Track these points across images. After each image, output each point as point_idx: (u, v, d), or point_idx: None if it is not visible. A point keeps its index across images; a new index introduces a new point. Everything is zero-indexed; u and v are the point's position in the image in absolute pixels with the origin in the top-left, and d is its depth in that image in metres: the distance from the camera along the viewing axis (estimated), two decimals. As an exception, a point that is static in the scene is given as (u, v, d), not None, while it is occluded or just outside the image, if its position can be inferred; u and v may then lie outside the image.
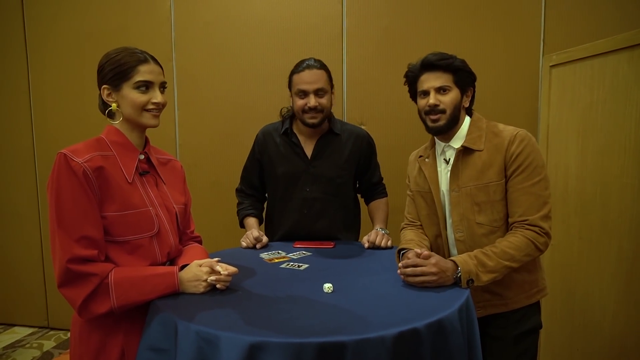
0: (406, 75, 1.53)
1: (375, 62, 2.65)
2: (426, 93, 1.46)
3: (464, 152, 1.45)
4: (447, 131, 1.46)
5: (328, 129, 1.89)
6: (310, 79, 1.75)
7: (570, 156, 2.11)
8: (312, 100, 1.75)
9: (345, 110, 2.70)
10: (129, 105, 1.25)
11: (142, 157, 1.32)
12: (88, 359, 1.22)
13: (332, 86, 1.84)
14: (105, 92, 1.27)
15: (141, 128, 1.31)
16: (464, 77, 1.44)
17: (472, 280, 1.28)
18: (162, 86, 1.30)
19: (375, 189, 2.03)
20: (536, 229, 1.35)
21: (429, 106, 1.44)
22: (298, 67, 1.79)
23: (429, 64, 1.44)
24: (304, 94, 1.77)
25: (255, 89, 2.81)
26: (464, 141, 1.45)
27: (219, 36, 2.84)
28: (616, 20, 2.28)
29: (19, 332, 3.19)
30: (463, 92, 1.46)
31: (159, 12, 2.89)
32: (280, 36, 2.76)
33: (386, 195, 2.04)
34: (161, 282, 1.19)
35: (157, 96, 1.26)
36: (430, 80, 1.44)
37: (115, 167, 1.23)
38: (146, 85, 1.25)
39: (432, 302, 1.15)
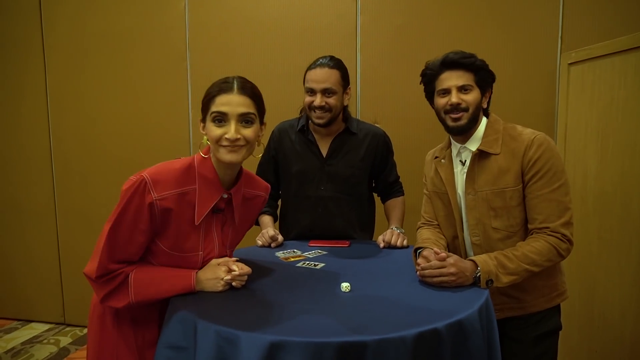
0: (424, 74, 1.49)
1: (390, 61, 2.63)
2: (447, 91, 1.42)
3: (480, 155, 1.42)
4: (468, 131, 1.43)
5: (344, 128, 1.88)
6: (318, 77, 1.74)
7: (589, 156, 2.08)
8: (317, 99, 1.74)
9: (359, 109, 2.69)
10: (209, 138, 1.21)
11: (226, 196, 1.28)
12: (106, 354, 1.25)
13: (346, 86, 1.82)
14: (201, 125, 1.25)
15: (226, 164, 1.23)
16: (485, 77, 1.41)
17: (491, 280, 1.27)
18: (244, 119, 1.19)
19: (392, 188, 2.01)
20: (558, 235, 1.33)
21: (451, 105, 1.40)
22: (312, 64, 1.79)
23: (451, 62, 1.40)
24: (312, 91, 1.76)
25: (270, 88, 2.80)
26: (480, 144, 1.42)
27: (233, 36, 2.84)
28: (638, 17, 2.24)
29: (37, 328, 3.24)
30: (483, 92, 1.43)
31: (173, 13, 2.91)
32: (295, 35, 2.76)
33: (403, 194, 2.02)
34: (178, 282, 1.21)
35: (230, 130, 1.17)
36: (452, 79, 1.40)
37: (188, 205, 1.21)
38: (220, 118, 1.18)
39: (452, 303, 1.14)
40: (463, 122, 1.40)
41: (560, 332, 1.49)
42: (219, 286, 1.23)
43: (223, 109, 1.18)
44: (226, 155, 1.19)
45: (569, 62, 2.20)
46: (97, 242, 1.17)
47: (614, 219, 1.94)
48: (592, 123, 2.06)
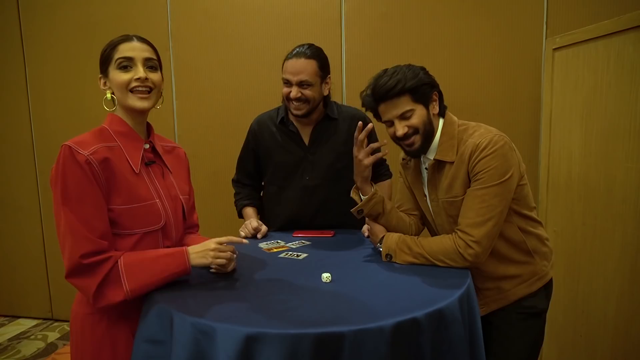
0: (363, 106, 1.46)
1: (375, 48, 2.61)
2: (391, 122, 1.38)
3: (438, 164, 1.40)
4: (426, 150, 1.40)
5: (324, 115, 1.85)
6: (294, 69, 1.69)
7: (573, 141, 2.08)
8: (293, 91, 1.71)
9: (344, 97, 2.67)
10: (115, 87, 1.21)
11: (147, 146, 1.28)
12: (93, 352, 1.20)
13: (325, 75, 1.77)
14: (101, 81, 1.25)
15: (135, 113, 1.25)
16: (422, 92, 1.34)
17: (390, 255, 1.38)
18: (149, 64, 1.23)
19: (378, 170, 1.95)
20: (465, 237, 1.28)
21: (398, 137, 1.36)
22: (289, 54, 1.74)
23: (381, 97, 1.35)
24: (288, 83, 1.73)
25: (254, 77, 2.78)
26: (436, 153, 1.39)
27: (216, 24, 2.80)
28: (621, 0, 2.23)
29: (24, 324, 3.21)
30: (427, 104, 1.37)
31: (155, 1, 2.85)
32: (279, 23, 2.71)
33: (390, 177, 2.00)
34: (171, 261, 1.15)
35: (138, 71, 1.19)
36: (389, 111, 1.36)
37: (120, 158, 1.19)
38: (127, 63, 1.19)
39: (432, 292, 1.13)
40: (417, 145, 1.37)
41: (546, 317, 1.48)
42: (208, 257, 1.18)
43: (128, 54, 1.19)
44: (137, 102, 1.21)
45: (554, 47, 2.19)
46: (61, 236, 1.11)
47: (598, 205, 1.94)
48: (576, 108, 2.06)
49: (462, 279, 1.23)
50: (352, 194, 1.54)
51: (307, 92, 1.71)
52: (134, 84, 1.20)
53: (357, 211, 1.51)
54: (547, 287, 1.45)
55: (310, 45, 1.76)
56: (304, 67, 1.69)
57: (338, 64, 2.63)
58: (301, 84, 1.70)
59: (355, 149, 1.47)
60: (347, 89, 2.66)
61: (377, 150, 1.50)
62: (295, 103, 1.73)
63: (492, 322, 1.44)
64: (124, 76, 1.20)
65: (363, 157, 1.45)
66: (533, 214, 1.43)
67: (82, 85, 3.00)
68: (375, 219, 1.50)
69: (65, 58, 3.01)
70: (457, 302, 1.08)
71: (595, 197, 1.96)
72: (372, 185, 1.50)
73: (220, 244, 1.21)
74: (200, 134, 2.90)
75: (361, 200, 1.50)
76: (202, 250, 1.19)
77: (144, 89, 1.21)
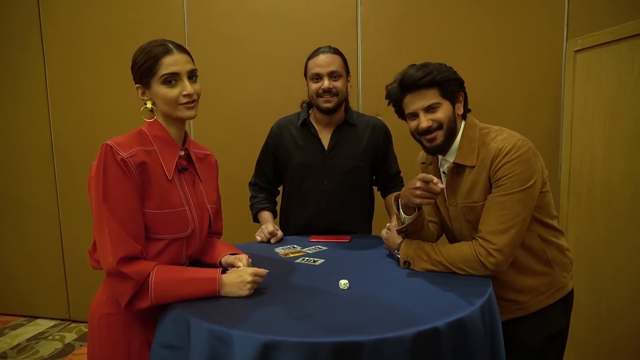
0: (388, 98, 1.43)
1: (391, 51, 2.58)
2: (414, 115, 1.35)
3: (458, 167, 1.36)
4: (447, 147, 1.37)
5: (344, 120, 1.85)
6: (323, 62, 1.75)
7: (596, 145, 2.03)
8: (325, 82, 1.74)
9: (360, 101, 2.65)
10: (162, 101, 1.22)
11: (182, 153, 1.29)
12: (108, 352, 1.22)
13: (347, 72, 1.83)
14: (139, 91, 1.26)
15: (179, 121, 1.27)
16: (450, 87, 1.32)
17: (408, 262, 1.35)
18: (192, 75, 1.24)
19: (392, 182, 1.98)
20: (487, 245, 1.25)
21: (422, 129, 1.33)
22: (313, 54, 1.80)
23: (409, 86, 1.32)
24: (318, 77, 1.76)
25: (269, 81, 2.78)
26: (456, 156, 1.36)
27: (232, 28, 2.80)
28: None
29: (42, 325, 3.25)
30: (453, 101, 1.34)
31: (171, 5, 2.87)
32: (295, 27, 2.71)
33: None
34: (202, 287, 1.15)
35: (186, 87, 1.21)
36: (415, 102, 1.33)
37: (156, 163, 1.21)
38: (173, 78, 1.20)
39: (453, 300, 1.11)
40: (439, 141, 1.33)
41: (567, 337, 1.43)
42: (245, 290, 1.16)
43: (173, 69, 1.20)
44: (186, 112, 1.23)
45: (575, 49, 2.14)
46: (99, 234, 1.12)
47: (621, 210, 1.89)
48: (598, 111, 2.01)
49: (483, 287, 1.20)
50: (395, 218, 1.47)
51: (338, 83, 1.76)
52: (182, 100, 1.21)
53: (402, 231, 1.43)
54: (566, 301, 1.39)
55: (332, 47, 1.81)
56: (332, 60, 1.76)
57: (354, 67, 2.61)
58: (332, 75, 1.76)
59: (418, 181, 1.30)
60: (363, 92, 2.64)
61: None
62: (325, 96, 1.76)
63: (509, 336, 1.36)
64: (172, 92, 1.20)
65: (415, 197, 1.30)
66: (555, 223, 1.39)
67: (100, 89, 3.04)
68: (411, 234, 1.44)
69: (84, 61, 3.05)
70: (479, 311, 1.06)
71: (618, 202, 1.90)
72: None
73: (257, 275, 1.19)
74: (215, 137, 2.91)
75: (402, 220, 1.42)
76: (238, 282, 1.16)
77: (191, 103, 1.23)
